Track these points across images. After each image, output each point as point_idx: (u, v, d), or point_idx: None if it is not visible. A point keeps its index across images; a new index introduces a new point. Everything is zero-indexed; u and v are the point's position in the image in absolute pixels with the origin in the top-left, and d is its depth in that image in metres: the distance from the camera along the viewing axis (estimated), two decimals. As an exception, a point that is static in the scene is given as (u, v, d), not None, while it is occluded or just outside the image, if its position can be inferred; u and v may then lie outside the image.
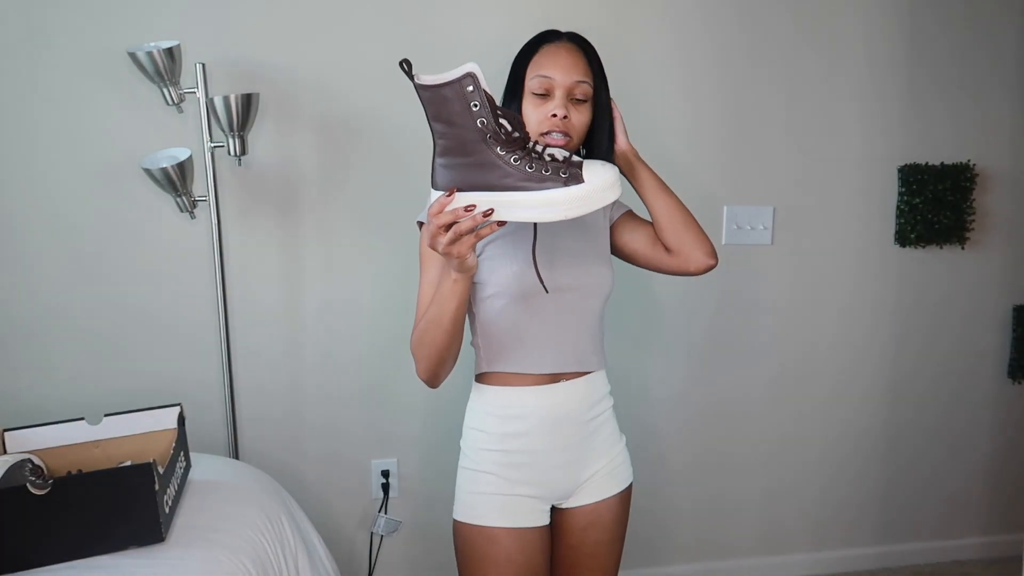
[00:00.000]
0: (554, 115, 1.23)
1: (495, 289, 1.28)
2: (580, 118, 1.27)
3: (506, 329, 1.29)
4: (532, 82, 1.25)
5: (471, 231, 1.04)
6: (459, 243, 1.05)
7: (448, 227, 1.05)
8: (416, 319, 1.28)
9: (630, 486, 1.42)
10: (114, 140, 1.85)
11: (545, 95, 1.25)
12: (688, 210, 1.34)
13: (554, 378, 1.31)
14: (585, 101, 1.27)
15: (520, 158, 1.04)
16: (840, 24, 2.14)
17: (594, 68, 1.29)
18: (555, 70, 1.24)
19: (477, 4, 1.96)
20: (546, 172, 1.03)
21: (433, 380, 1.29)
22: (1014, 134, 2.28)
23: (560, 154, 1.07)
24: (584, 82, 1.26)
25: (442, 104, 1.01)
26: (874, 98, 2.19)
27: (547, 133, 1.23)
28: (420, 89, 1.01)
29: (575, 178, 1.03)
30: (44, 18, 1.79)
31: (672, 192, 1.35)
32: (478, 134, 1.02)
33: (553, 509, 1.38)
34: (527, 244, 1.27)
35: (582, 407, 1.33)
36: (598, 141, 1.32)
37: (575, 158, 1.07)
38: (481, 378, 1.35)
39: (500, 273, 1.27)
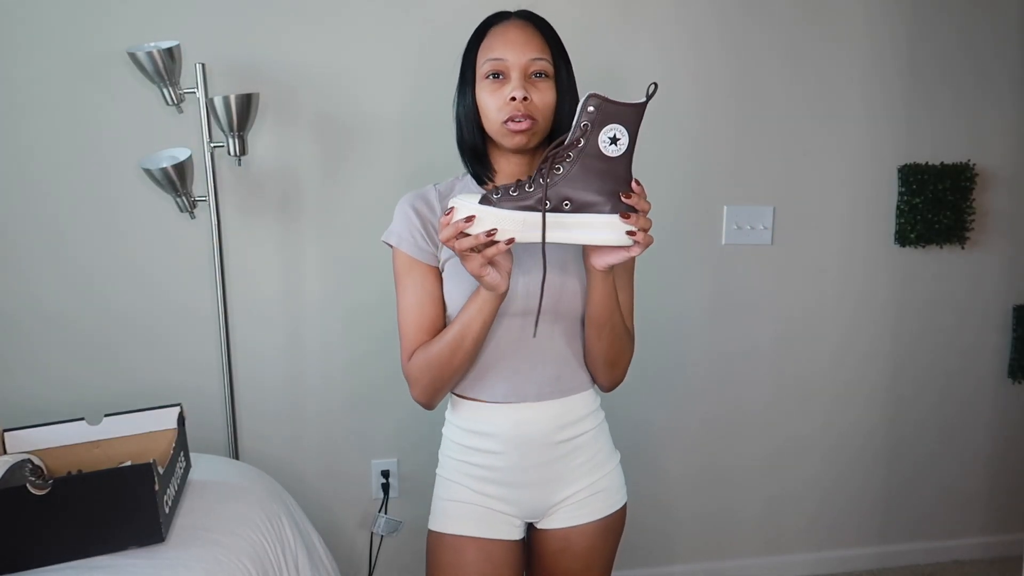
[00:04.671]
0: (512, 98, 1.12)
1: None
2: (543, 98, 1.15)
3: None
4: (484, 66, 1.15)
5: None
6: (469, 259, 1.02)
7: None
8: (405, 344, 1.22)
9: (616, 513, 1.30)
10: (114, 140, 1.85)
11: (500, 78, 1.15)
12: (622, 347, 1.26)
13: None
14: (546, 79, 1.16)
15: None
16: (840, 24, 2.13)
17: (551, 45, 1.18)
18: (506, 50, 1.14)
19: (481, 5, 1.95)
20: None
21: (432, 402, 1.24)
22: (1014, 134, 2.27)
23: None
24: (541, 59, 1.15)
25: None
26: (874, 98, 2.19)
27: (508, 120, 1.13)
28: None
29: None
30: (44, 18, 1.79)
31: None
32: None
33: (531, 526, 1.31)
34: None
35: (551, 428, 1.23)
36: (565, 124, 1.14)
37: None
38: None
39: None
